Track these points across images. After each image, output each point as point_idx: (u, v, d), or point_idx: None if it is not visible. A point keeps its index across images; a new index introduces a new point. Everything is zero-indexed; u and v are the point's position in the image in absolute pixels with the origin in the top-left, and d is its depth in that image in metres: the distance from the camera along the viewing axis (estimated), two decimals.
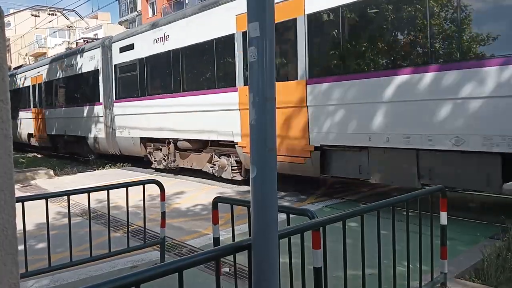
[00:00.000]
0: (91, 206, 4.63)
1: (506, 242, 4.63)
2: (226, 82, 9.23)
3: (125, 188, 4.75)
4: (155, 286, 2.10)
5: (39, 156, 20.57)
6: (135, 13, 43.02)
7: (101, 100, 13.86)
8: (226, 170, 9.71)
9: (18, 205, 3.42)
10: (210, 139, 9.85)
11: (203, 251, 2.33)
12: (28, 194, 8.68)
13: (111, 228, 4.84)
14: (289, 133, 7.94)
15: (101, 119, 13.91)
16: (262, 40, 2.04)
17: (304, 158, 7.74)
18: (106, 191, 4.61)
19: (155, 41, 11.30)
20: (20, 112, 20.98)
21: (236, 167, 9.59)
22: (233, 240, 3.35)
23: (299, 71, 7.69)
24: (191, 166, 10.91)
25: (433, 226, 3.61)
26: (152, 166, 12.38)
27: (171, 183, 10.12)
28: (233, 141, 9.11)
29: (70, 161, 16.99)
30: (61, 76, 16.63)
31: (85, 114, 14.91)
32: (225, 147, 9.64)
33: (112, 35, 14.09)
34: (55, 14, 25.38)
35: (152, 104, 11.49)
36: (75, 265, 4.40)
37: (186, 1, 32.27)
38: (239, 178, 9.65)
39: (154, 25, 11.58)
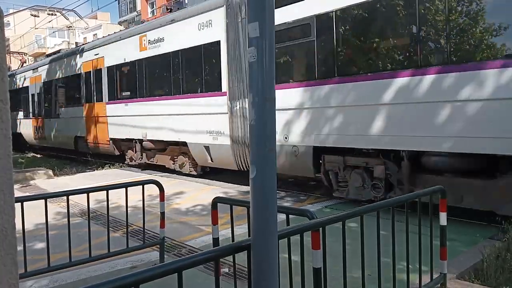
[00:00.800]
0: (90, 206, 4.63)
1: (506, 243, 4.65)
2: None
3: (124, 189, 4.75)
4: (155, 286, 2.10)
5: (38, 156, 20.57)
6: (135, 13, 43.03)
7: (224, 88, 9.23)
8: None
9: (17, 205, 3.42)
10: None
11: (203, 251, 2.33)
12: (28, 194, 8.67)
13: (110, 228, 4.84)
14: None
15: (223, 118, 9.28)
16: (262, 40, 2.04)
17: None
18: (105, 192, 4.60)
19: None
20: (63, 109, 16.54)
21: None
22: (233, 240, 3.35)
23: None
24: (471, 205, 5.86)
25: (433, 226, 3.61)
26: (335, 194, 7.55)
27: (171, 183, 10.10)
28: None
29: (69, 161, 17.00)
30: (139, 58, 11.88)
31: (187, 110, 10.30)
32: None
33: None
34: (55, 14, 25.42)
35: (351, 90, 6.78)
36: (74, 265, 4.40)
37: (186, 1, 32.26)
38: None
39: None
